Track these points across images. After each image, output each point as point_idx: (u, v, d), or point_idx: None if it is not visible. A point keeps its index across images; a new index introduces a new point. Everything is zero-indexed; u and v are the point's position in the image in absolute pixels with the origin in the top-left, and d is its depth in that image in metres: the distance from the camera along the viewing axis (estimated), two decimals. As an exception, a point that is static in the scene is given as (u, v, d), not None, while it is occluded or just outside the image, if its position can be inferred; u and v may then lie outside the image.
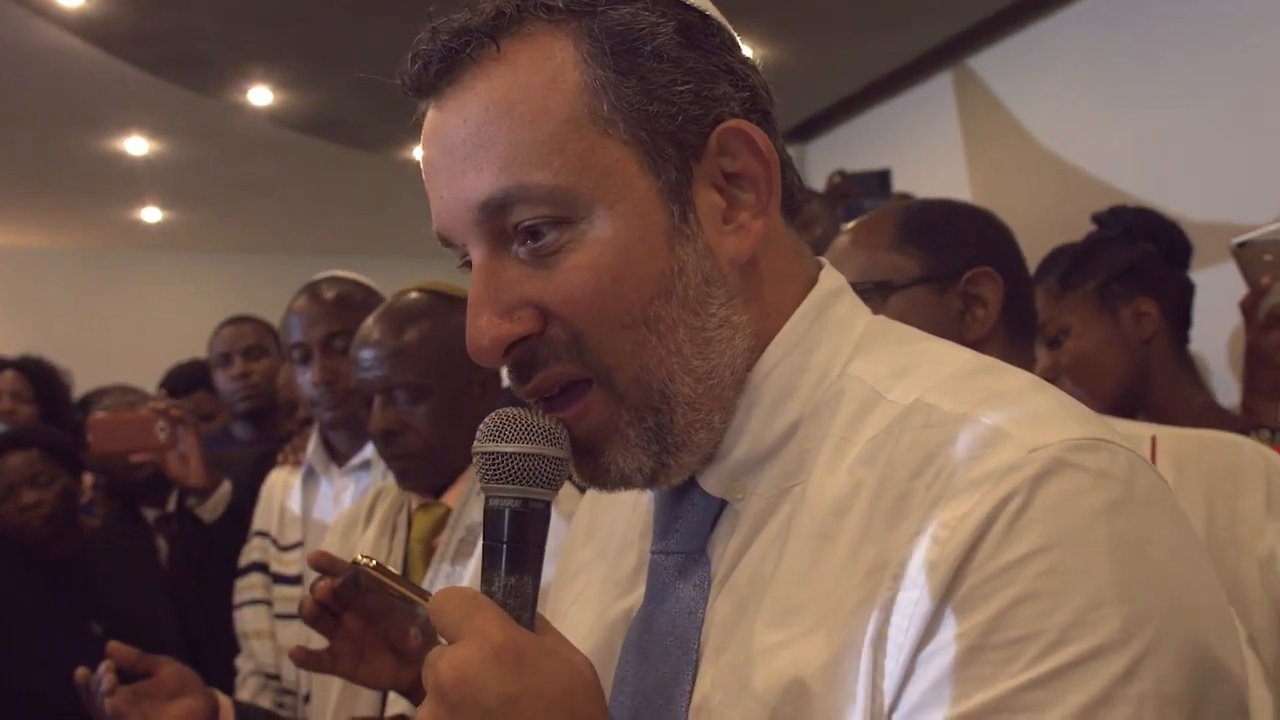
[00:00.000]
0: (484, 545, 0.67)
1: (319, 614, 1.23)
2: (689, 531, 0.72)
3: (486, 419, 0.70)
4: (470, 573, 1.49)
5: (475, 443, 0.69)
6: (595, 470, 0.71)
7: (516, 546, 0.67)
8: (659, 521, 0.75)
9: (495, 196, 0.67)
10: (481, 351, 0.69)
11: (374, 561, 1.21)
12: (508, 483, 0.67)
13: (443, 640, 0.65)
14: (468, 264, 0.72)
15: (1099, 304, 1.76)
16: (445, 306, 1.63)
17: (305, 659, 1.25)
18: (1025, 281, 1.33)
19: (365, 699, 1.52)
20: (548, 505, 0.68)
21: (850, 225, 1.39)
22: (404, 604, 1.22)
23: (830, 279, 0.76)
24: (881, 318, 0.77)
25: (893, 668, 0.58)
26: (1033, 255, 1.49)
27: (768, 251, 0.72)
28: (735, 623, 0.67)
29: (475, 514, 1.57)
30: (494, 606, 0.64)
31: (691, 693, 0.67)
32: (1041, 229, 1.93)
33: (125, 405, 2.75)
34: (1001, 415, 0.61)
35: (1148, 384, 1.76)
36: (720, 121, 0.70)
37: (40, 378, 3.31)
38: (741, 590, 0.68)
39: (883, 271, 1.26)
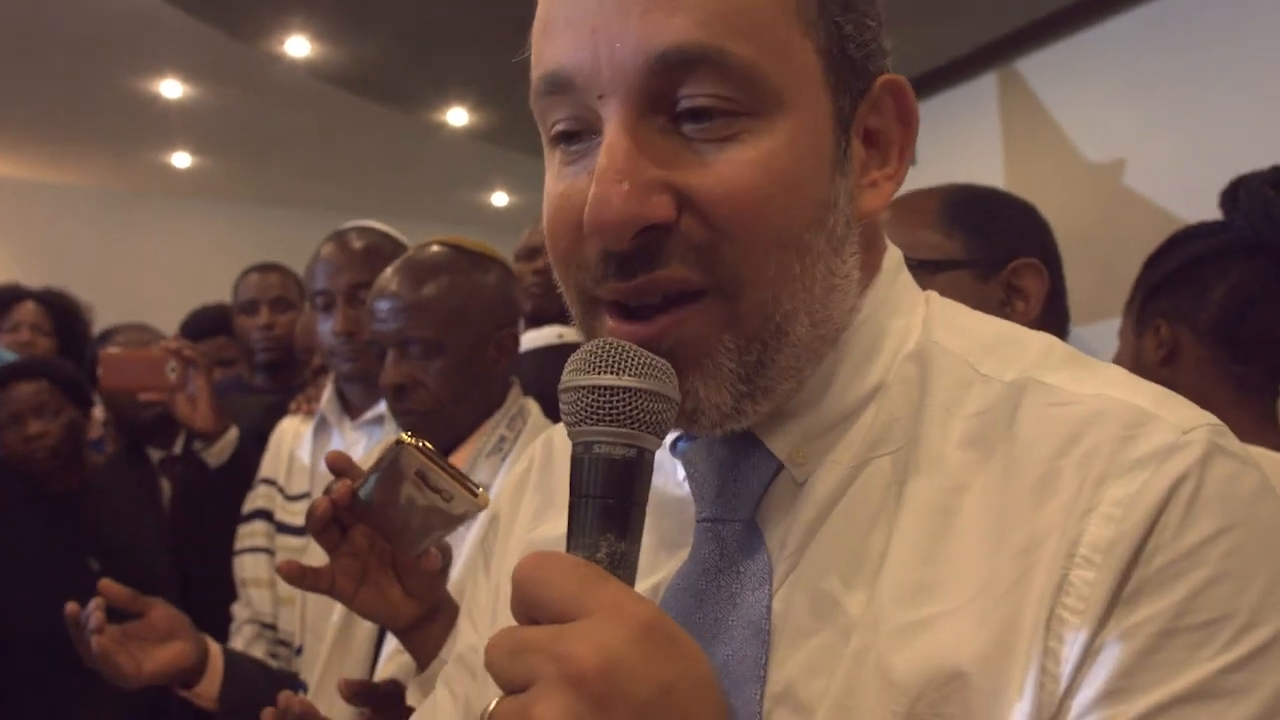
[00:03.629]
0: (580, 501, 0.56)
1: (328, 523, 1.11)
2: (746, 498, 0.65)
3: (585, 347, 0.59)
4: (473, 537, 1.44)
5: (571, 375, 0.58)
6: None
7: (625, 504, 0.56)
8: (707, 486, 0.67)
9: (686, 50, 0.57)
10: (605, 226, 0.58)
11: (420, 441, 1.08)
12: (620, 425, 0.56)
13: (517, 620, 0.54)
14: (563, 136, 0.63)
15: (1134, 322, 1.69)
16: (466, 262, 1.59)
17: (299, 574, 1.12)
18: (1062, 279, 1.30)
19: (356, 654, 1.49)
20: (654, 459, 0.58)
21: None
22: (445, 497, 1.08)
23: (893, 247, 0.73)
24: (933, 292, 0.73)
25: (1068, 652, 0.54)
26: (1065, 265, 1.45)
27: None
28: (829, 604, 0.61)
29: (483, 475, 1.54)
30: (613, 577, 0.54)
31: (766, 679, 0.60)
32: (1076, 239, 1.88)
33: (139, 343, 2.73)
34: (1132, 396, 0.59)
35: None
36: (883, 73, 0.66)
37: (60, 311, 3.30)
38: (830, 568, 0.61)
39: (925, 250, 1.23)
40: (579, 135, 0.63)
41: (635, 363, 0.57)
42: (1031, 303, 1.20)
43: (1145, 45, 3.95)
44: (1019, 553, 0.56)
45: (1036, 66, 4.50)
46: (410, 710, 1.18)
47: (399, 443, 1.07)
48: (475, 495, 1.07)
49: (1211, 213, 1.43)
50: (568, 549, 0.56)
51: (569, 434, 0.58)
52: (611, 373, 0.56)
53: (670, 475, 0.70)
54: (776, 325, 0.61)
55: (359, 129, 6.47)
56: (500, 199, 8.64)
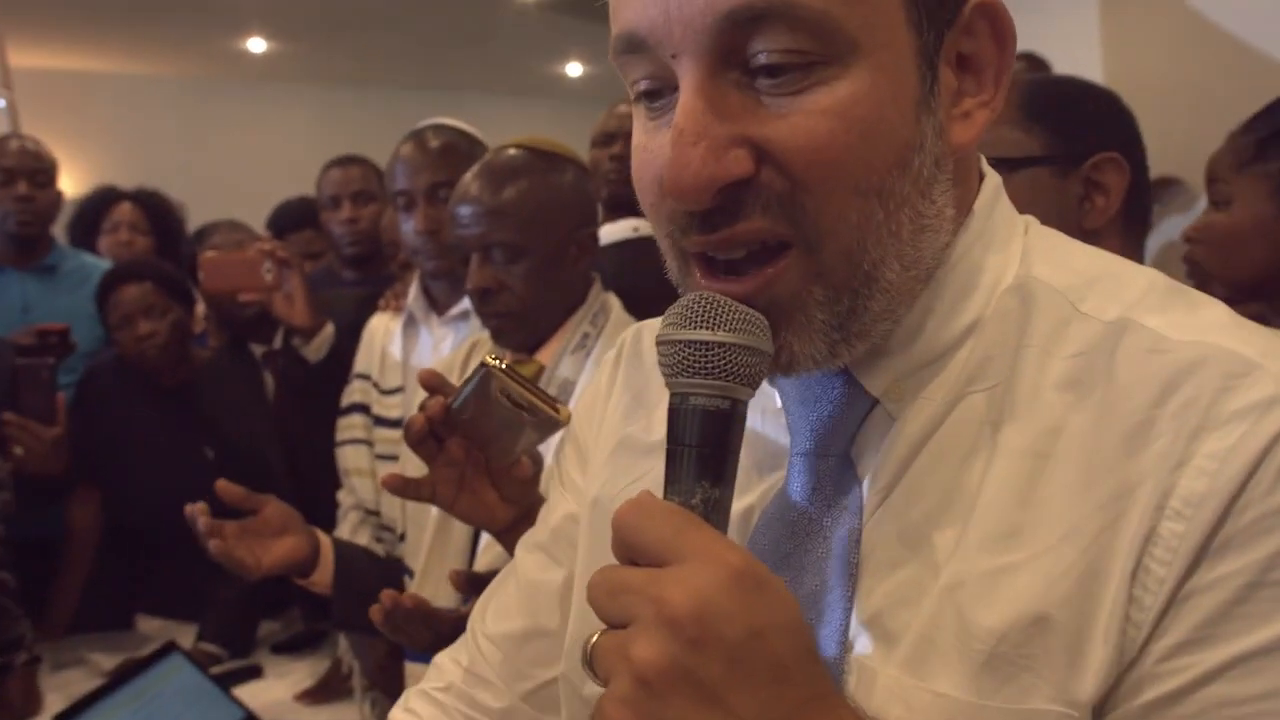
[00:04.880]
0: (677, 449, 0.58)
1: (425, 436, 1.18)
2: (841, 433, 0.66)
3: (682, 300, 0.60)
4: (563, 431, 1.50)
5: (668, 328, 0.60)
6: None
7: (720, 453, 0.58)
8: (802, 420, 0.68)
9: (753, 5, 0.57)
10: (685, 191, 0.59)
11: (504, 363, 1.13)
12: (715, 378, 0.58)
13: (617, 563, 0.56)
14: (647, 95, 0.63)
15: (1270, 189, 1.57)
16: (544, 164, 1.61)
17: (402, 486, 1.21)
18: (1146, 172, 1.26)
19: (456, 544, 1.58)
20: (747, 409, 0.60)
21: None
22: (529, 414, 1.14)
23: (992, 173, 0.71)
24: (1031, 218, 0.72)
25: (1152, 601, 0.55)
26: (1167, 134, 1.40)
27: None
28: (919, 537, 0.62)
29: (566, 371, 1.59)
30: (707, 523, 0.56)
31: (851, 609, 0.62)
32: (1180, 102, 1.80)
33: (234, 243, 2.82)
34: (1235, 343, 0.58)
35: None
36: None
37: (156, 210, 3.39)
38: (920, 502, 0.62)
39: (1003, 147, 1.20)
40: (659, 93, 0.63)
41: (730, 317, 0.59)
42: (1112, 198, 1.17)
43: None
44: (1108, 500, 0.57)
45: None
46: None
47: (484, 366, 1.12)
48: (557, 412, 1.13)
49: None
50: (665, 495, 0.58)
51: (666, 384, 0.60)
52: (707, 328, 0.58)
53: (768, 400, 0.72)
54: (865, 273, 0.61)
55: (430, 6, 6.40)
56: (575, 69, 8.51)
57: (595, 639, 0.55)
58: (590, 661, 0.55)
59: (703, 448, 0.58)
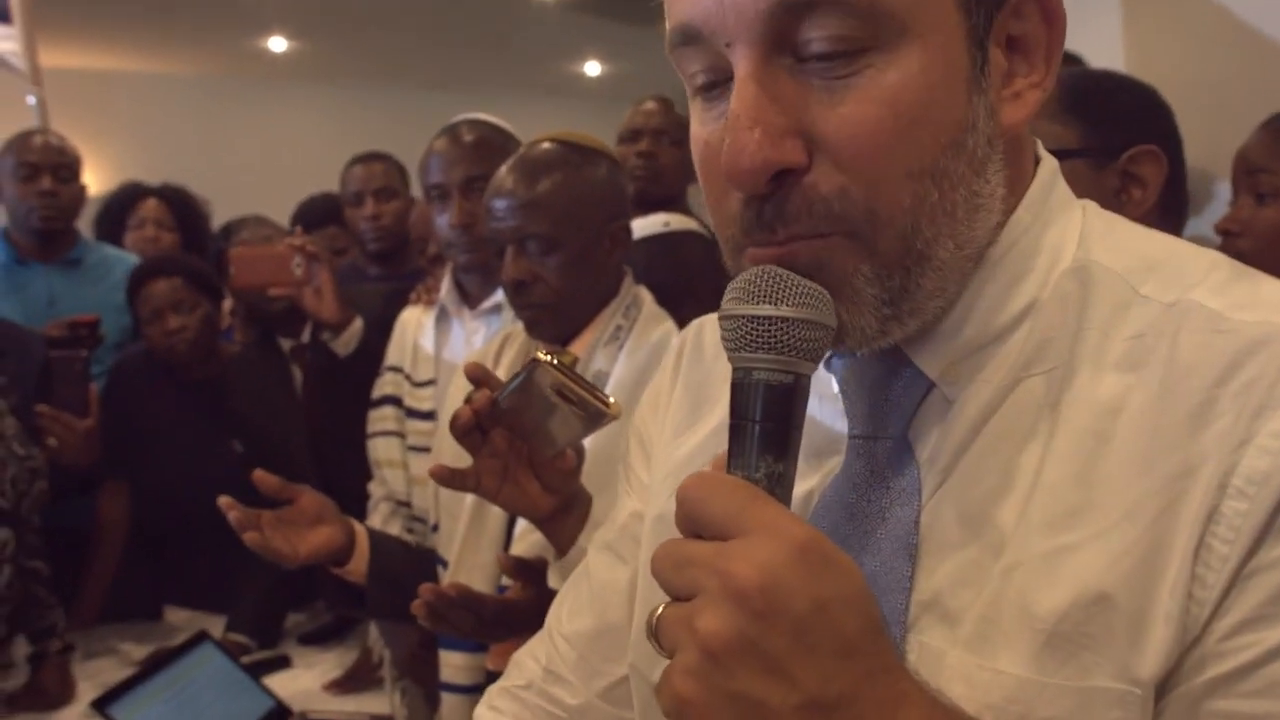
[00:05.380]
0: (741, 424, 0.59)
1: (471, 429, 1.20)
2: (898, 416, 0.67)
3: (745, 275, 0.61)
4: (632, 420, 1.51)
5: (731, 303, 0.60)
6: None
7: (783, 428, 0.58)
8: (859, 403, 0.69)
9: None
10: (742, 174, 0.59)
11: (554, 359, 1.14)
12: (778, 353, 0.58)
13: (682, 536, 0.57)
14: (705, 87, 0.64)
15: None
16: (578, 158, 1.62)
17: (449, 477, 1.23)
18: (1182, 164, 1.26)
19: (491, 531, 1.59)
20: (810, 384, 0.60)
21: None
22: (579, 408, 1.15)
23: (1049, 156, 0.71)
24: (1090, 201, 0.72)
25: (1215, 579, 0.55)
26: (1194, 127, 1.39)
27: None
28: (979, 518, 0.62)
29: (600, 363, 1.61)
30: (772, 498, 0.56)
31: (911, 590, 0.63)
32: (1203, 98, 1.79)
33: (262, 239, 2.84)
34: None
35: None
36: None
37: (181, 206, 3.42)
38: (980, 484, 0.63)
39: (1040, 140, 1.21)
40: (716, 84, 0.64)
41: (794, 292, 0.59)
42: (1149, 190, 1.18)
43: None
44: (1171, 479, 0.57)
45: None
46: (551, 591, 1.28)
47: (535, 360, 1.14)
48: (606, 406, 1.14)
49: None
50: (728, 469, 0.59)
51: (729, 359, 0.61)
52: (770, 303, 0.59)
53: (825, 386, 0.72)
54: (919, 252, 0.62)
55: (450, 6, 6.43)
56: (593, 68, 8.53)
57: (660, 611, 0.56)
58: (655, 633, 0.56)
59: (766, 422, 0.58)
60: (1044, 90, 0.65)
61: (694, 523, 0.56)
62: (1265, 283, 0.64)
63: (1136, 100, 1.23)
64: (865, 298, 0.62)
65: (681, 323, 1.60)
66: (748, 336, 0.59)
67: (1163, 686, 0.57)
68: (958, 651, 0.60)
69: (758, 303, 0.59)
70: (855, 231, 0.61)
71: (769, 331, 0.59)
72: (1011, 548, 0.60)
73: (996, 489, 0.62)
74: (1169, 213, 1.22)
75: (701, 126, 0.66)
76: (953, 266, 0.63)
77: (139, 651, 2.38)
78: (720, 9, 0.60)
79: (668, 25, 0.65)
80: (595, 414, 1.15)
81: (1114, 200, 1.19)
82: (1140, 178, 1.18)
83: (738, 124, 0.59)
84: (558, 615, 0.95)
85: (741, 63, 0.60)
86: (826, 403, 0.72)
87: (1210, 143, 1.72)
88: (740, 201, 0.63)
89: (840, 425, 0.71)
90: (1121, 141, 1.18)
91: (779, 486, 0.58)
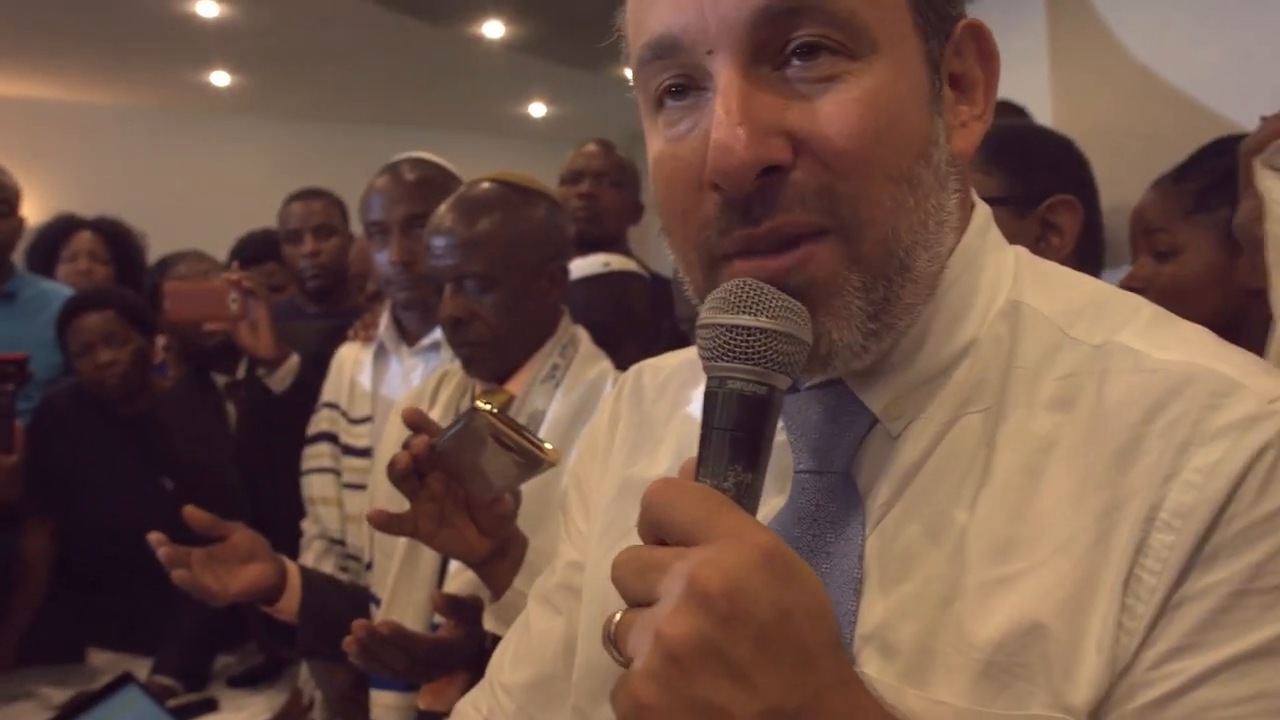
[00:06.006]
0: (711, 432, 0.60)
1: (409, 474, 1.22)
2: (841, 451, 0.68)
3: (725, 286, 0.62)
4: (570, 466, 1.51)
5: (710, 313, 0.61)
6: None
7: (754, 439, 0.59)
8: (805, 439, 0.70)
9: (788, 1, 0.61)
10: (731, 170, 0.60)
11: (494, 407, 1.16)
12: (751, 363, 0.59)
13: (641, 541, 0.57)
14: (670, 91, 0.66)
15: (1222, 239, 1.56)
16: (517, 198, 1.64)
17: (386, 521, 1.24)
18: (1098, 212, 1.32)
19: (424, 570, 1.59)
20: (782, 398, 0.61)
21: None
22: (517, 454, 1.17)
23: (981, 203, 0.74)
24: (1020, 247, 0.75)
25: (1144, 609, 0.57)
26: (1114, 172, 1.45)
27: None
28: (918, 553, 0.64)
29: (537, 402, 1.61)
30: (738, 506, 0.57)
31: (857, 622, 0.64)
32: (1126, 145, 1.87)
33: (199, 273, 2.81)
34: (1219, 364, 0.60)
35: (1234, 337, 1.64)
36: (963, 17, 0.68)
37: (116, 239, 3.37)
38: (920, 519, 0.64)
39: None
40: (685, 90, 0.66)
41: (772, 304, 0.60)
42: (1066, 238, 1.23)
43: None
44: (1101, 514, 0.59)
45: (1084, -35, 4.37)
46: (483, 631, 1.28)
47: (474, 408, 1.16)
48: (544, 454, 1.15)
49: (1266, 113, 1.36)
50: (697, 477, 0.60)
51: (704, 368, 0.61)
52: (748, 313, 0.60)
53: None
54: (900, 260, 0.63)
55: (394, 43, 6.44)
56: (538, 109, 8.58)
57: (619, 617, 0.56)
58: (614, 639, 0.56)
59: (737, 431, 0.59)
60: (985, 123, 0.69)
61: (659, 528, 0.57)
62: (1185, 326, 0.66)
63: (1054, 152, 1.28)
64: (853, 310, 0.63)
65: (620, 363, 1.62)
66: (725, 346, 0.60)
67: (1095, 714, 0.58)
68: (898, 683, 0.62)
69: (737, 313, 0.60)
70: (842, 230, 0.62)
71: (746, 342, 0.59)
72: (950, 581, 0.62)
73: (935, 524, 0.64)
74: (1086, 259, 1.27)
75: (666, 142, 0.67)
76: (926, 281, 0.66)
77: (59, 696, 2.30)
78: (702, 18, 0.62)
79: (636, 44, 0.67)
80: (533, 460, 1.17)
81: (1034, 247, 1.22)
82: (1058, 226, 1.23)
83: (725, 122, 0.61)
84: (499, 665, 0.95)
85: (724, 70, 0.62)
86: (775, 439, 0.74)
87: (1136, 189, 1.78)
88: (718, 205, 0.64)
89: (786, 461, 0.72)
90: (1040, 191, 1.23)
91: (746, 497, 0.59)
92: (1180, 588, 0.57)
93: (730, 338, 0.60)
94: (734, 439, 0.59)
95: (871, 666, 0.63)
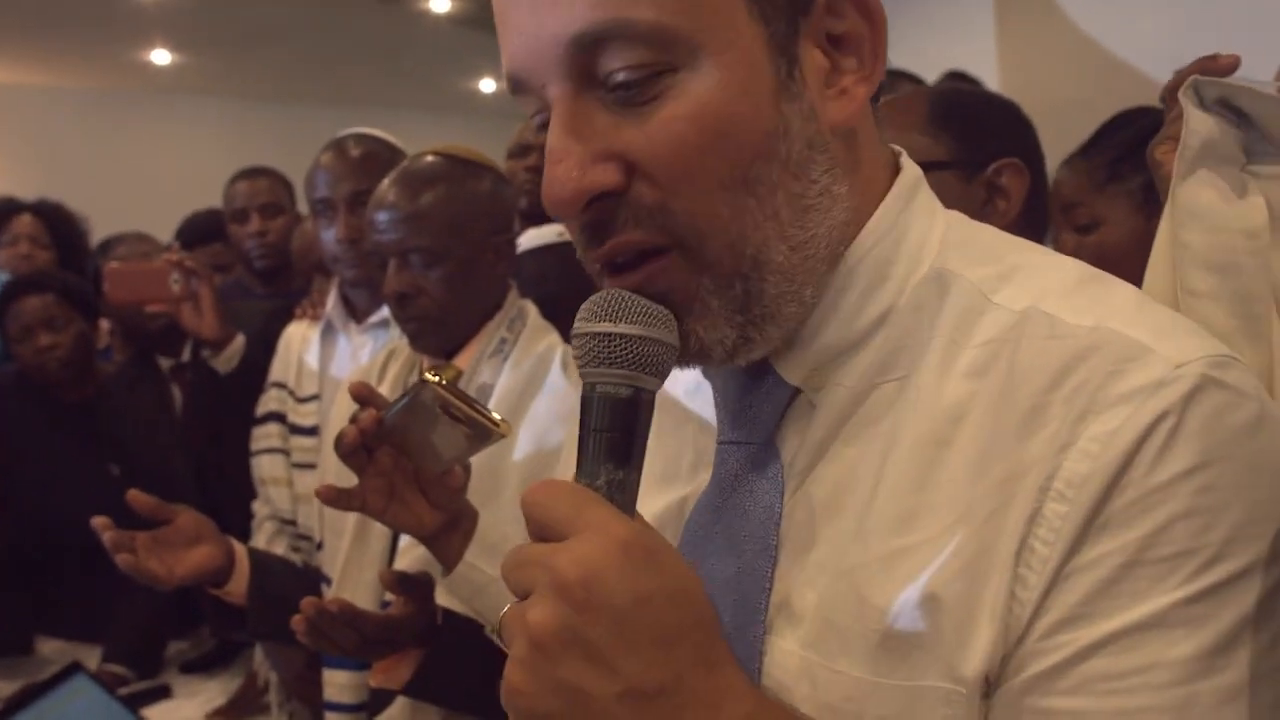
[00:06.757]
0: (586, 434, 0.62)
1: (356, 448, 1.20)
2: (763, 421, 0.69)
3: (593, 297, 0.64)
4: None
5: (581, 322, 0.64)
6: None
7: (625, 438, 0.62)
8: (726, 410, 0.71)
9: (589, 31, 0.60)
10: (561, 204, 0.63)
11: (442, 379, 1.15)
12: (619, 367, 0.62)
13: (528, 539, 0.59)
14: (544, 123, 0.66)
15: (1139, 204, 1.61)
16: (461, 171, 1.62)
17: (335, 497, 1.22)
18: (1044, 177, 1.33)
19: (374, 547, 1.57)
20: (654, 397, 0.64)
21: (880, 102, 1.38)
22: (467, 426, 1.16)
23: (911, 165, 0.73)
24: (955, 212, 0.74)
25: (1036, 580, 0.57)
26: (1058, 140, 1.46)
27: (864, 124, 0.68)
28: (825, 521, 0.65)
29: (485, 376, 1.60)
30: (605, 501, 0.59)
31: (770, 590, 0.65)
32: (1069, 112, 1.88)
33: (140, 255, 2.76)
34: (1132, 328, 0.59)
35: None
36: None
37: (57, 222, 3.30)
38: (829, 487, 0.65)
39: (910, 152, 1.25)
40: (547, 124, 0.66)
41: (634, 311, 0.63)
42: (1012, 202, 1.23)
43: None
44: (1000, 483, 0.58)
45: (1030, -66, 4.40)
46: (434, 606, 1.27)
47: (422, 380, 1.13)
48: (494, 425, 1.14)
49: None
50: (575, 477, 0.62)
51: (580, 374, 0.64)
52: (610, 321, 0.63)
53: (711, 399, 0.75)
54: (751, 259, 0.63)
55: (340, 20, 6.35)
56: (488, 85, 8.51)
57: (504, 610, 0.58)
58: (499, 631, 0.59)
59: (609, 432, 0.62)
60: (871, 84, 0.67)
61: (536, 526, 0.59)
62: (1116, 288, 0.65)
63: (1001, 116, 1.29)
64: (713, 309, 0.64)
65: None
66: (592, 353, 0.63)
67: (992, 686, 0.58)
68: (803, 651, 0.63)
69: (600, 321, 0.63)
70: (682, 245, 0.63)
71: (608, 348, 0.62)
72: (853, 550, 0.62)
73: (843, 492, 0.64)
74: (1032, 224, 1.27)
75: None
76: (797, 269, 0.65)
77: (6, 687, 2.26)
78: (529, 55, 0.64)
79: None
80: (483, 432, 1.15)
81: (981, 211, 1.24)
82: (1004, 189, 1.24)
83: (550, 159, 0.63)
84: None
85: (555, 102, 0.63)
86: (713, 414, 0.74)
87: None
88: (576, 226, 0.66)
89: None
90: (987, 155, 1.23)
91: (619, 492, 0.61)
92: (1073, 558, 0.56)
93: (595, 344, 0.62)
94: (608, 439, 0.62)
95: (782, 635, 0.64)
